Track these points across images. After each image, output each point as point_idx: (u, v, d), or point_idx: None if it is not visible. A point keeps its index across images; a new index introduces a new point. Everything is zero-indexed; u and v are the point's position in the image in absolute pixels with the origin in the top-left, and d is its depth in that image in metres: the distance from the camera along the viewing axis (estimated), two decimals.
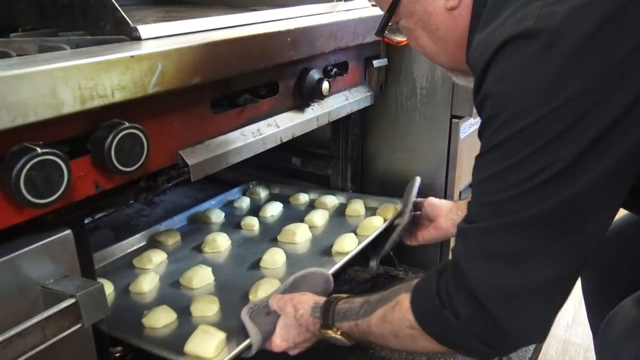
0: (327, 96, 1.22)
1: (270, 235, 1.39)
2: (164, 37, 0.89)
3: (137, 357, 1.01)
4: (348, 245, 1.27)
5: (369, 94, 1.45)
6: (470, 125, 1.55)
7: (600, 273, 1.12)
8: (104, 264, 1.27)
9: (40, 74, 0.63)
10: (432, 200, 1.33)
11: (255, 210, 1.55)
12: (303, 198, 1.60)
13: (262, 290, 1.09)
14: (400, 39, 0.95)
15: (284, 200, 1.60)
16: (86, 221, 1.04)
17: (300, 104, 1.20)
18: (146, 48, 0.79)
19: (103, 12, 0.89)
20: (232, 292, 1.14)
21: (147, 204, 1.75)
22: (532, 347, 1.25)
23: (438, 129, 1.50)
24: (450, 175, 1.53)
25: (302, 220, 1.41)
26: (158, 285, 1.19)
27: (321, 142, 1.65)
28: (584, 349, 1.70)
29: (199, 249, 1.34)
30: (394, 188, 1.57)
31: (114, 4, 0.87)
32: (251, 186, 1.71)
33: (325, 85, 1.19)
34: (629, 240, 1.08)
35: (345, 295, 0.95)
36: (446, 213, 1.29)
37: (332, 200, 1.54)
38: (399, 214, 1.35)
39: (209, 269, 1.20)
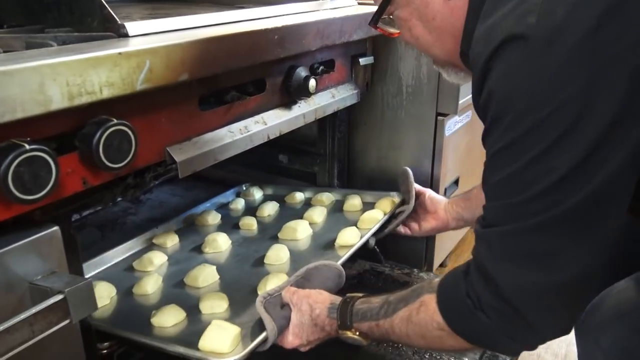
0: (313, 94, 1.23)
1: (270, 233, 1.39)
2: (151, 34, 0.89)
3: (125, 353, 1.02)
4: (351, 238, 1.27)
5: (356, 91, 1.46)
6: (455, 123, 1.56)
7: None
8: (103, 268, 1.26)
9: (28, 71, 0.63)
10: (431, 193, 1.37)
11: (251, 211, 1.55)
12: (299, 197, 1.59)
13: (271, 285, 1.07)
14: (393, 30, 0.94)
15: (279, 200, 1.59)
16: (73, 219, 1.04)
17: (287, 102, 1.21)
18: (134, 45, 0.79)
19: (90, 9, 0.89)
20: (240, 289, 1.13)
21: (133, 202, 1.75)
22: None
23: (424, 127, 1.51)
24: (436, 172, 1.54)
25: (300, 218, 1.41)
26: (162, 286, 1.18)
27: (308, 139, 1.66)
28: (566, 343, 1.72)
29: (198, 249, 1.33)
30: (380, 185, 1.58)
31: (100, 1, 0.87)
32: (245, 188, 1.71)
33: (312, 82, 1.20)
34: None
35: (361, 295, 0.95)
36: (445, 206, 1.33)
37: (328, 197, 1.55)
38: (402, 203, 1.39)
39: (214, 268, 1.19)
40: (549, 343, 1.80)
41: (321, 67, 1.29)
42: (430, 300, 0.81)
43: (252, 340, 0.92)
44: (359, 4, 1.43)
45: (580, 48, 0.61)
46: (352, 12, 1.30)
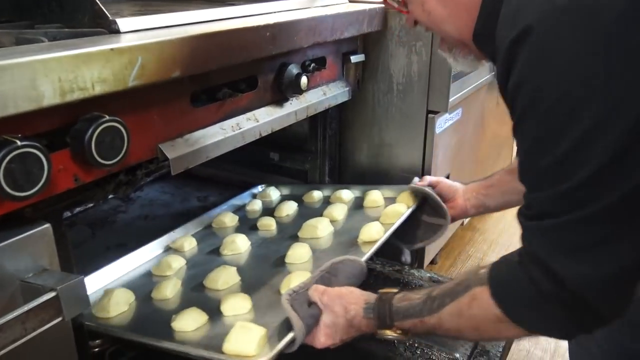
0: (305, 91, 1.23)
1: (289, 233, 1.35)
2: (142, 30, 0.89)
3: (116, 351, 1.01)
4: (375, 233, 1.21)
5: (347, 89, 1.46)
6: (445, 121, 1.57)
7: None
8: (120, 274, 1.22)
9: (20, 66, 0.62)
10: (446, 181, 1.32)
11: (268, 211, 1.51)
12: (317, 195, 1.55)
13: (295, 283, 1.01)
14: (402, 8, 0.92)
15: (297, 199, 1.55)
16: (64, 216, 1.03)
17: (279, 99, 1.21)
18: (125, 41, 0.79)
19: (81, 5, 0.89)
20: (262, 289, 1.09)
21: (123, 200, 1.74)
22: None
23: (414, 124, 1.52)
24: (426, 169, 1.55)
25: (320, 216, 1.37)
26: (181, 290, 1.14)
27: (299, 137, 1.66)
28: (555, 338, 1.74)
29: (217, 252, 1.30)
30: (371, 182, 1.59)
31: None
32: (261, 189, 1.67)
33: (304, 80, 1.20)
34: None
35: (395, 291, 0.92)
36: (462, 193, 1.28)
37: (347, 195, 1.51)
38: (424, 198, 1.32)
39: (234, 269, 1.15)
40: (537, 338, 1.81)
41: (312, 65, 1.29)
42: (482, 293, 0.78)
43: (279, 341, 0.87)
44: (350, 1, 1.44)
45: (613, 27, 0.59)
46: (344, 10, 1.30)
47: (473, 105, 1.80)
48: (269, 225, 1.40)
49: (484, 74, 1.79)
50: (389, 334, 0.90)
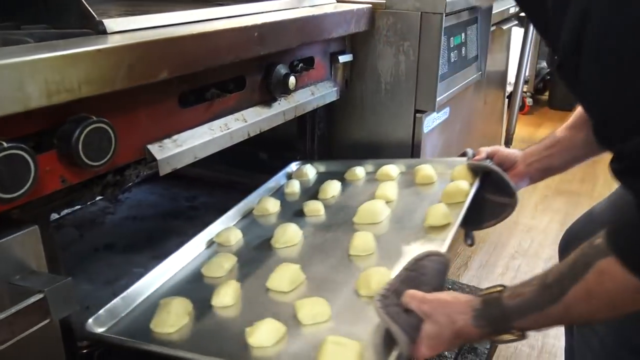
0: (293, 91, 1.24)
1: (342, 218, 1.22)
2: (130, 31, 0.89)
3: (105, 353, 1.01)
4: (443, 217, 1.09)
5: (335, 89, 1.47)
6: (433, 120, 1.59)
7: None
8: (167, 278, 1.09)
9: (5, 68, 0.62)
10: (502, 149, 1.23)
11: (309, 193, 1.38)
12: (360, 172, 1.42)
13: (375, 283, 0.93)
14: None
15: (336, 177, 1.42)
16: (51, 218, 1.02)
17: (267, 99, 1.21)
18: (112, 42, 0.79)
19: (67, 5, 0.88)
20: (334, 289, 0.98)
21: (111, 201, 1.73)
22: None
23: (402, 124, 1.53)
24: None
25: (371, 197, 1.25)
26: (242, 294, 1.01)
27: (288, 136, 1.66)
28: (542, 335, 1.76)
29: (267, 245, 1.16)
30: None
31: None
32: (296, 167, 1.54)
33: (292, 80, 1.20)
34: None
35: (498, 289, 0.84)
36: (523, 159, 1.19)
37: (394, 170, 1.38)
38: (486, 172, 1.21)
39: (297, 267, 1.02)
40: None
41: (300, 65, 1.29)
42: (610, 265, 0.69)
43: (379, 357, 0.79)
44: (338, 1, 1.44)
45: None
46: (332, 10, 1.31)
47: (460, 104, 1.81)
48: (317, 210, 1.26)
49: (470, 73, 1.81)
50: (507, 337, 0.81)
